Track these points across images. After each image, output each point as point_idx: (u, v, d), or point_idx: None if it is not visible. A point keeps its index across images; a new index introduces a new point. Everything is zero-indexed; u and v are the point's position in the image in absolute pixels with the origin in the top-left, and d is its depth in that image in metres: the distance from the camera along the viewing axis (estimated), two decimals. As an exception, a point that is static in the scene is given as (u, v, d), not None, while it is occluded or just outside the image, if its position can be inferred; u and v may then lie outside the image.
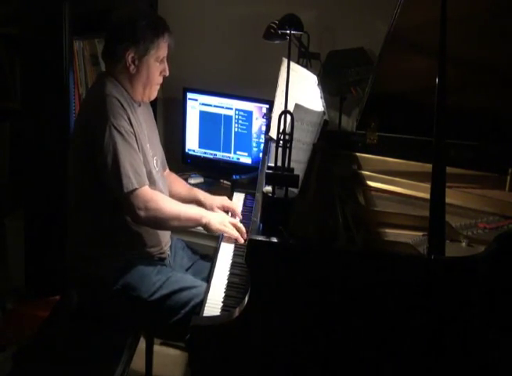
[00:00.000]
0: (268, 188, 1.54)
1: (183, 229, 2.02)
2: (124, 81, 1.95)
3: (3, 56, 2.81)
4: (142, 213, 1.86)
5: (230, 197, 2.37)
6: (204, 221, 1.96)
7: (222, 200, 2.23)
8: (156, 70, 1.95)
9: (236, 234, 1.97)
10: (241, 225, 1.99)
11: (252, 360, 1.48)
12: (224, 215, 2.10)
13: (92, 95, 2.00)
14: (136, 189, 1.84)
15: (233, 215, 2.17)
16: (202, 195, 2.25)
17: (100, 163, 1.83)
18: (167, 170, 2.31)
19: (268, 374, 1.49)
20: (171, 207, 1.93)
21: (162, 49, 1.95)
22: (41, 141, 2.49)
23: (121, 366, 1.84)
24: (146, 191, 1.88)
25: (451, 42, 1.46)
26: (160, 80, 2.00)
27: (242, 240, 1.96)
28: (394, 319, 1.41)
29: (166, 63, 1.99)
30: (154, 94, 2.02)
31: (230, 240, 2.01)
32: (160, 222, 1.92)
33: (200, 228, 2.40)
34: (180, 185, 2.31)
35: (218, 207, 2.17)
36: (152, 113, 2.20)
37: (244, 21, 2.86)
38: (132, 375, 2.22)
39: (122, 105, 1.89)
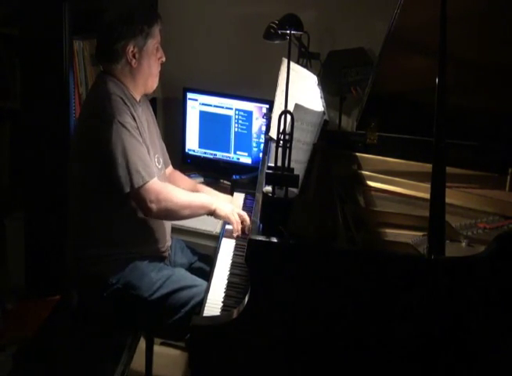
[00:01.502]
0: (268, 188, 1.54)
1: (193, 217, 2.04)
2: (125, 78, 1.96)
3: (3, 56, 2.81)
4: (154, 206, 1.88)
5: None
6: (214, 207, 2.00)
7: (230, 201, 2.26)
8: (155, 58, 1.99)
9: (237, 227, 2.00)
10: (248, 219, 2.01)
11: (252, 360, 1.48)
12: (233, 205, 2.12)
13: (95, 94, 2.00)
14: (146, 182, 1.86)
15: None
16: (207, 191, 2.29)
17: (109, 160, 1.83)
18: (170, 167, 2.32)
19: (268, 374, 1.49)
20: (181, 196, 1.97)
21: (157, 36, 1.99)
22: (41, 141, 2.49)
23: (121, 366, 1.84)
24: (156, 183, 1.90)
25: (451, 42, 1.46)
26: (159, 68, 2.03)
27: (240, 235, 1.99)
28: (394, 319, 1.41)
29: (161, 49, 2.02)
30: (156, 84, 2.05)
31: (232, 234, 2.03)
32: (172, 212, 1.95)
33: (200, 228, 2.40)
34: (184, 181, 2.33)
35: None
36: (152, 112, 2.21)
37: (244, 21, 2.86)
38: (132, 375, 2.22)
39: (125, 103, 1.90)
